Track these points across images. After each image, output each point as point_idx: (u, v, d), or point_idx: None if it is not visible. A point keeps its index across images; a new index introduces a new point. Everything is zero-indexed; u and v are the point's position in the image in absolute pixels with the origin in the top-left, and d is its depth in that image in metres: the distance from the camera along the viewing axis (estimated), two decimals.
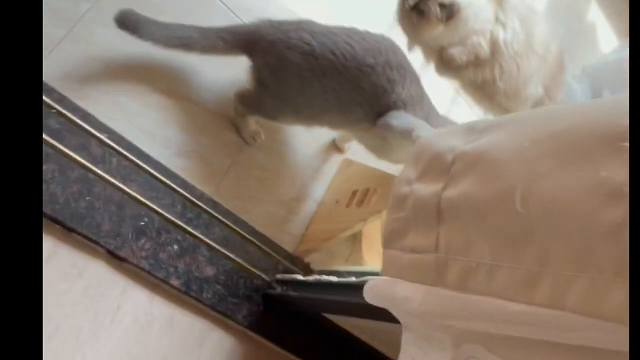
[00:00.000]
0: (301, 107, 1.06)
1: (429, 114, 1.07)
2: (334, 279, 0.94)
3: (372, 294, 0.72)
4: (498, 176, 0.58)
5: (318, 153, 1.30)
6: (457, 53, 1.50)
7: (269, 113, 1.11)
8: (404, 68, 1.03)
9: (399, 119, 1.00)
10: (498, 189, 0.57)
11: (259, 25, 1.04)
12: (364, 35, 1.03)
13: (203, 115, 1.10)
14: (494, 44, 1.50)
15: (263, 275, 1.11)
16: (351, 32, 1.02)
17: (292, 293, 1.04)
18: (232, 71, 1.13)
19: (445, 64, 1.55)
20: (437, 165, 0.68)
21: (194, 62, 1.10)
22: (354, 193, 1.16)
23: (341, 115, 1.06)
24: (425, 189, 0.68)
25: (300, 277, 1.07)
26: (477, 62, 1.52)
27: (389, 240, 0.72)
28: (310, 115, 1.08)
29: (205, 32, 1.03)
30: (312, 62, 0.99)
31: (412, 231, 0.69)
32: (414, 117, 1.01)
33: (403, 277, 0.68)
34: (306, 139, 1.28)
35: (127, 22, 0.95)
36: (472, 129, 0.69)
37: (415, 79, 1.06)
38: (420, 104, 1.05)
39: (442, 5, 1.42)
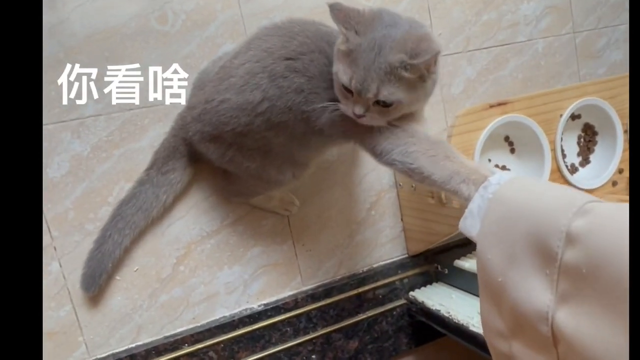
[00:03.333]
0: (279, 169, 0.84)
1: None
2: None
3: None
4: None
5: None
6: None
7: (263, 189, 0.91)
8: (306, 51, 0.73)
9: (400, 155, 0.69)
10: None
11: (173, 129, 0.88)
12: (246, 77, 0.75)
13: (230, 234, 0.96)
14: None
15: (397, 303, 1.07)
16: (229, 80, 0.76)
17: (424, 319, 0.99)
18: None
19: None
20: (533, 333, 0.52)
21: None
22: None
23: (323, 140, 0.81)
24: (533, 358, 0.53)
25: (427, 301, 1.00)
26: None
27: None
28: (299, 162, 0.86)
29: (154, 183, 0.86)
30: (242, 135, 0.78)
31: None
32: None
33: None
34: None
35: (93, 276, 0.84)
36: (552, 261, 0.49)
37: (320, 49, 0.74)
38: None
39: None
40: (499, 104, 0.98)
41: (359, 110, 0.67)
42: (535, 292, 0.50)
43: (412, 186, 1.03)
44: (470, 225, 0.61)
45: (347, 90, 0.67)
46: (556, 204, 0.51)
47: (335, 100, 0.71)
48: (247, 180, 0.88)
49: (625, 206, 0.48)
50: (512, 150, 1.04)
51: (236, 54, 0.78)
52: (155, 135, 0.89)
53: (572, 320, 0.47)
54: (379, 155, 0.71)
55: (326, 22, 0.76)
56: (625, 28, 1.36)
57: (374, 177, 1.08)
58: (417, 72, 0.65)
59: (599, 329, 0.44)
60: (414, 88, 0.66)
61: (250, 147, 0.79)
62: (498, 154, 1.04)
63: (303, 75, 0.72)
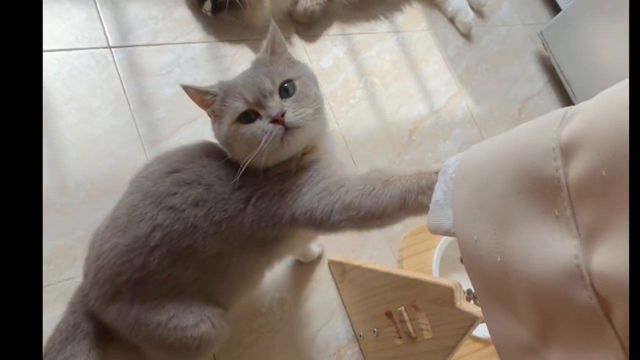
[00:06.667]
0: (195, 316, 0.67)
1: None
2: None
3: None
4: None
5: (293, 294, 0.93)
6: (309, 2, 1.24)
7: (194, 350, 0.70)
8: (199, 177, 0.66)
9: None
10: None
11: (72, 304, 0.73)
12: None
13: None
14: None
15: None
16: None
17: None
18: None
19: (305, 18, 1.25)
20: (572, 317, 0.34)
21: None
22: (389, 316, 0.81)
23: (248, 254, 0.68)
24: None
25: None
26: None
27: None
28: (218, 302, 0.70)
29: None
30: (141, 282, 0.64)
31: None
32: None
33: None
34: (260, 304, 0.90)
35: None
36: (556, 192, 0.36)
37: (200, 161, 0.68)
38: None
39: None
40: None
41: (275, 109, 0.61)
42: (551, 247, 0.34)
43: (374, 331, 0.86)
44: (440, 218, 0.47)
45: (252, 112, 0.62)
46: (535, 131, 0.38)
47: (250, 197, 0.64)
48: (164, 356, 0.70)
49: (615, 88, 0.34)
50: None
51: (119, 201, 0.69)
52: (50, 320, 0.73)
53: (614, 258, 0.30)
54: (321, 224, 0.61)
55: None
56: None
57: (328, 331, 0.91)
58: (277, 53, 0.67)
59: None
60: (290, 65, 0.67)
61: (156, 294, 0.64)
62: (463, 276, 0.93)
63: (198, 184, 0.64)
